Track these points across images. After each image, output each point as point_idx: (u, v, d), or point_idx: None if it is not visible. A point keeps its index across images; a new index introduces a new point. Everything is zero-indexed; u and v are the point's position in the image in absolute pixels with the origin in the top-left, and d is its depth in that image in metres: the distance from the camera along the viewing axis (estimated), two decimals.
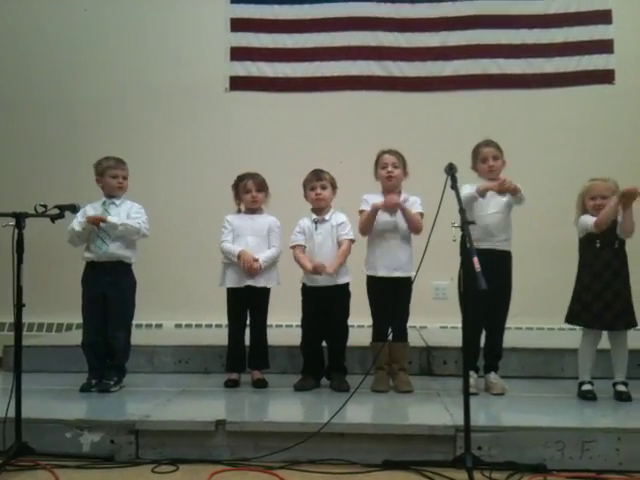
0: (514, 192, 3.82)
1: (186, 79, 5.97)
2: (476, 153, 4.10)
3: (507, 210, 4.02)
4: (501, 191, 3.85)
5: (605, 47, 5.78)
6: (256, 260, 4.10)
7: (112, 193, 4.17)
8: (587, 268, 3.84)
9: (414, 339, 4.56)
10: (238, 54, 5.99)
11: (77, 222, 4.04)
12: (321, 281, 4.04)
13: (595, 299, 3.78)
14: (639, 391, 3.85)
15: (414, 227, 4.02)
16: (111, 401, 3.82)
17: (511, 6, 5.88)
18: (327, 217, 4.15)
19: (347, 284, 4.14)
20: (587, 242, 3.85)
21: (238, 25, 6.00)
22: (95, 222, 4.00)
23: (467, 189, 3.83)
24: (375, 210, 4.00)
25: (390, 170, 4.10)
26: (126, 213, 4.14)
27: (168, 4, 6.10)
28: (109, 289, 4.04)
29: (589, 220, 3.80)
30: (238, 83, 5.99)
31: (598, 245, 3.80)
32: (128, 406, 3.76)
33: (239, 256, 4.10)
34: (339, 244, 4.11)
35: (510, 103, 5.78)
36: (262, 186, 4.26)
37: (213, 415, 3.37)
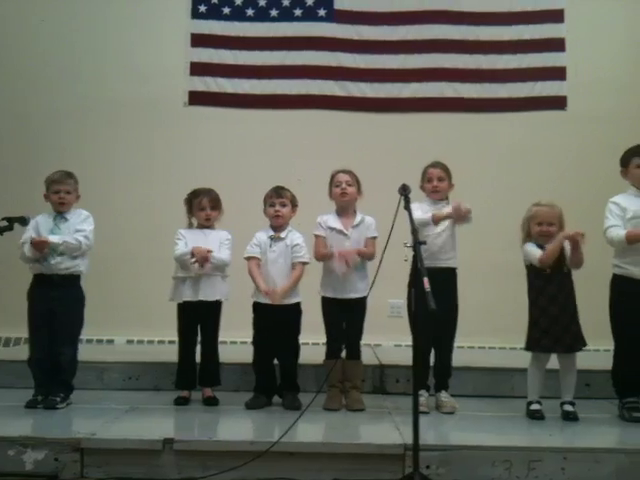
0: (467, 218, 3.91)
1: (146, 93, 5.92)
2: (424, 173, 4.19)
3: (453, 228, 4.10)
4: (458, 219, 3.92)
5: (558, 74, 5.94)
6: (210, 251, 4.07)
7: (55, 209, 4.09)
8: (541, 293, 3.89)
9: (368, 357, 4.58)
10: (198, 69, 5.98)
11: (27, 247, 3.93)
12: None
13: (554, 323, 3.85)
14: (586, 411, 3.93)
15: (367, 258, 4.08)
16: (57, 418, 3.73)
17: (467, 32, 6.00)
18: (283, 235, 4.15)
19: (298, 303, 4.14)
20: (536, 269, 3.91)
21: (199, 40, 5.99)
22: (39, 249, 3.91)
23: (417, 210, 3.87)
24: (331, 255, 4.05)
25: (344, 187, 4.14)
26: (74, 226, 4.07)
27: (129, 17, 6.05)
28: (56, 304, 3.95)
29: (535, 254, 3.87)
30: (197, 98, 5.97)
31: (548, 271, 3.88)
32: (74, 423, 3.68)
33: (192, 252, 4.07)
34: (292, 265, 4.12)
35: (465, 126, 5.88)
36: (216, 203, 4.24)
37: (161, 433, 3.32)
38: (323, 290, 4.15)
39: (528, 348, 3.95)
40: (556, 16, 5.98)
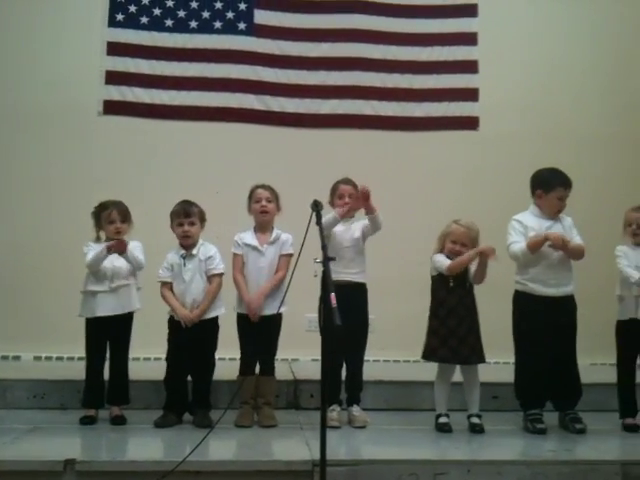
0: (370, 208, 3.96)
1: (58, 101, 5.73)
2: (334, 189, 4.23)
3: (362, 243, 4.16)
4: (366, 208, 3.97)
5: (470, 95, 6.12)
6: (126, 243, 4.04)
7: None
8: (442, 305, 4.01)
9: (283, 372, 4.58)
10: (113, 78, 5.83)
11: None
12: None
13: (451, 335, 3.95)
14: (493, 423, 4.05)
15: (279, 283, 4.09)
16: None
17: (386, 51, 6.12)
18: (195, 251, 4.10)
19: (216, 318, 4.10)
20: (440, 281, 4.03)
21: (115, 49, 5.85)
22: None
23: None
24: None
25: (264, 205, 4.13)
26: None
27: (41, 24, 5.84)
28: None
29: (444, 262, 3.99)
30: (112, 107, 5.83)
31: (451, 284, 3.99)
32: None
33: (108, 247, 4.00)
34: (208, 279, 4.07)
35: (382, 144, 5.95)
36: (126, 216, 4.13)
37: (64, 454, 3.22)
38: (238, 306, 4.13)
39: (424, 357, 4.04)
40: (470, 39, 6.17)
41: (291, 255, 4.08)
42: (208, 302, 4.01)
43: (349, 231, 4.12)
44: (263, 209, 4.13)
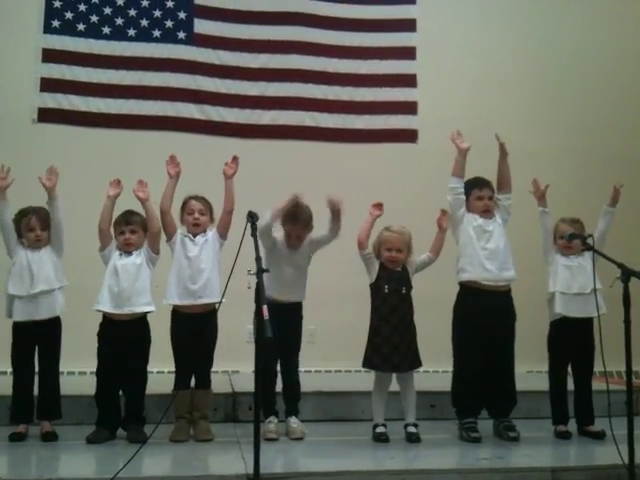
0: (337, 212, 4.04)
1: None
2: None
3: (306, 265, 4.19)
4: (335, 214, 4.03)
5: (409, 109, 6.23)
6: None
7: None
8: (376, 312, 4.06)
9: (222, 385, 4.55)
10: (49, 85, 5.71)
11: None
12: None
13: (384, 342, 3.99)
14: (430, 432, 4.10)
15: None
16: None
17: (327, 64, 6.17)
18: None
19: (146, 322, 4.01)
20: (376, 288, 4.08)
21: (50, 56, 5.73)
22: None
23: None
24: None
25: (197, 217, 4.09)
26: None
27: None
28: None
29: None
30: (47, 115, 5.70)
31: (386, 290, 4.03)
32: None
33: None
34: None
35: (322, 155, 5.98)
36: (45, 223, 4.02)
37: None
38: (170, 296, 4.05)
39: (363, 364, 4.09)
40: (408, 53, 6.28)
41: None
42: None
43: (294, 257, 4.11)
44: (196, 222, 4.09)
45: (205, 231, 4.14)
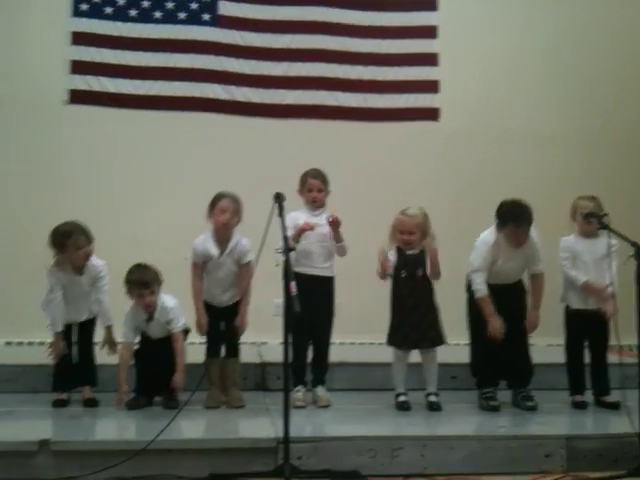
0: (338, 238, 4.17)
1: (22, 91, 5.76)
2: (304, 181, 4.33)
3: (329, 238, 4.28)
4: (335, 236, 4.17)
5: (431, 87, 6.30)
6: None
7: None
8: (395, 295, 4.22)
9: (252, 356, 4.74)
10: (79, 68, 5.88)
11: None
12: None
13: (403, 323, 4.17)
14: (451, 401, 4.23)
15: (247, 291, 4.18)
16: None
17: (350, 43, 6.24)
18: (156, 315, 4.16)
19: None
20: (395, 272, 4.22)
21: (79, 39, 5.88)
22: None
23: (299, 219, 4.12)
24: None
25: (227, 218, 4.10)
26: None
27: (6, 16, 5.84)
28: None
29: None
30: (78, 97, 5.86)
31: (403, 275, 4.19)
32: None
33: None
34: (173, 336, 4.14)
35: (345, 134, 6.08)
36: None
37: (38, 435, 3.32)
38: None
39: (387, 343, 4.26)
40: (430, 32, 6.31)
41: (250, 262, 4.09)
42: (181, 367, 4.06)
43: (317, 226, 4.18)
44: (226, 224, 4.11)
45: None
